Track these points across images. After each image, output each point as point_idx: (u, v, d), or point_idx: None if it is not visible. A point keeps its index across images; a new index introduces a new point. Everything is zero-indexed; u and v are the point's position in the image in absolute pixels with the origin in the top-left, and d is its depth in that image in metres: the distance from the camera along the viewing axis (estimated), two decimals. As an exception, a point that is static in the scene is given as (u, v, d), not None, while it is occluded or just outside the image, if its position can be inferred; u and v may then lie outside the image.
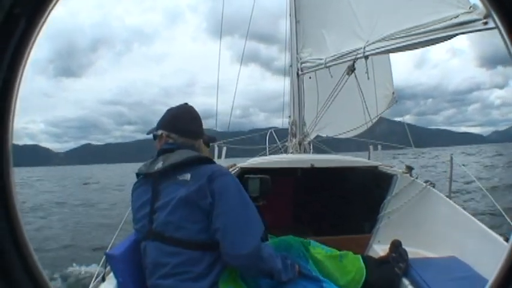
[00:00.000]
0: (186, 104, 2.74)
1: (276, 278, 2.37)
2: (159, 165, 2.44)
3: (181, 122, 2.61)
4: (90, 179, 56.46)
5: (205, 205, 2.22)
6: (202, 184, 2.24)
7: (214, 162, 2.51)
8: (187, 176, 2.32)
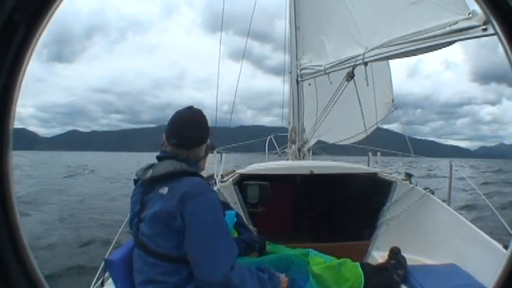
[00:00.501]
0: (191, 108, 2.64)
1: None
2: (149, 173, 2.45)
3: (176, 130, 2.53)
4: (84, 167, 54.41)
5: (176, 226, 2.20)
6: (174, 205, 2.21)
7: (196, 174, 2.43)
8: (165, 190, 2.31)
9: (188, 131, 2.52)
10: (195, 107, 2.66)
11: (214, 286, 2.18)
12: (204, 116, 2.63)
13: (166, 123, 2.60)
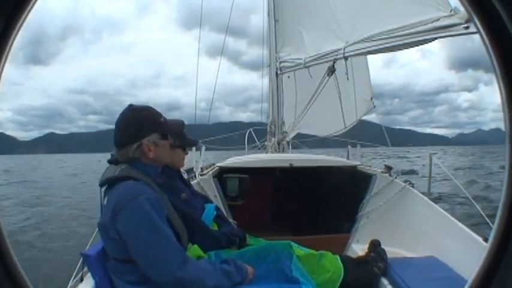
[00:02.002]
0: (130, 105, 2.52)
1: None
2: None
3: (115, 131, 2.47)
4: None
5: (113, 237, 2.23)
6: (108, 217, 2.22)
7: (130, 178, 2.35)
8: (106, 200, 2.34)
9: (117, 129, 2.44)
10: (137, 104, 2.54)
11: (167, 286, 2.19)
12: (142, 113, 2.50)
13: None
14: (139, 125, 2.44)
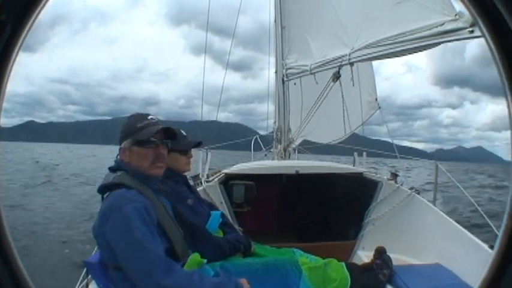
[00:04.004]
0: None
1: None
2: None
3: None
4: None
5: (104, 244, 2.27)
6: (97, 224, 2.28)
7: (121, 185, 2.37)
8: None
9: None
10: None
11: None
12: (128, 119, 2.60)
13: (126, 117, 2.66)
14: (121, 131, 2.54)
